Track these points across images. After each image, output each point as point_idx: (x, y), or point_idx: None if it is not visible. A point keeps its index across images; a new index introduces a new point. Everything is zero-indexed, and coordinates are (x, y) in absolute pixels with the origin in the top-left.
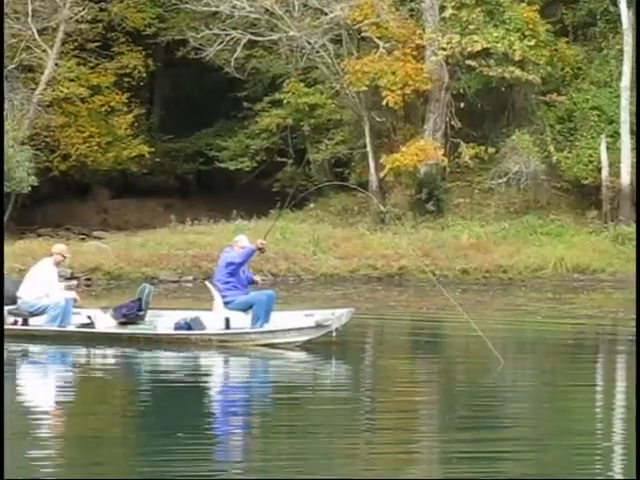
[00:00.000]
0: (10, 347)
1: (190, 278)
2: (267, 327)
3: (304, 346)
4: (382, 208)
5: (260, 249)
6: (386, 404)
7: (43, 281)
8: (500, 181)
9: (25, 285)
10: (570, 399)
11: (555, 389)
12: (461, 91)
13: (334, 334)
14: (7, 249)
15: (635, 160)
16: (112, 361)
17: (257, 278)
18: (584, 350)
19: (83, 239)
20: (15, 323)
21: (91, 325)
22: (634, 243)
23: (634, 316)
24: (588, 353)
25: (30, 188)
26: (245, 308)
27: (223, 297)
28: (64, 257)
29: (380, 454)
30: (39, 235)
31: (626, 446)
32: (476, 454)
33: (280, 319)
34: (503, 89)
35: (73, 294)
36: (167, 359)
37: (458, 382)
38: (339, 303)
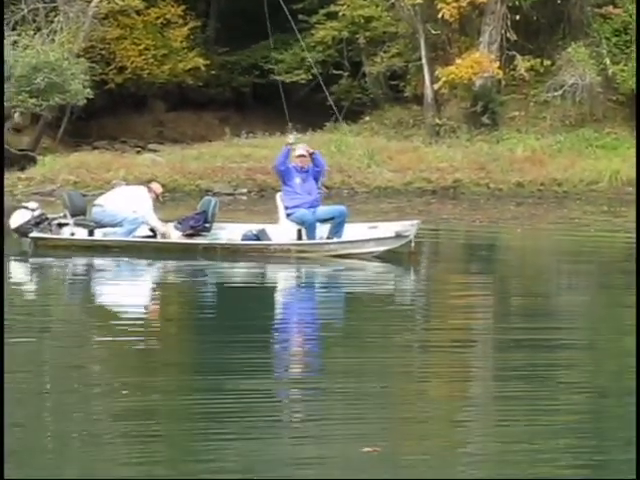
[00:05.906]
0: (76, 260)
1: (244, 191)
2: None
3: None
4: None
5: (290, 144)
6: (443, 302)
7: (138, 202)
8: (556, 94)
9: (112, 196)
10: (624, 301)
11: (610, 290)
12: (517, 3)
13: (412, 244)
14: (62, 161)
15: None
16: (185, 272)
17: (323, 191)
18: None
19: (138, 152)
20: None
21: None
22: None
23: None
24: None
25: (86, 100)
26: (299, 223)
27: (285, 208)
28: (158, 198)
29: (436, 341)
30: (94, 148)
31: None
32: (531, 342)
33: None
34: (559, 1)
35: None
36: (238, 270)
37: (513, 287)
38: (393, 216)
